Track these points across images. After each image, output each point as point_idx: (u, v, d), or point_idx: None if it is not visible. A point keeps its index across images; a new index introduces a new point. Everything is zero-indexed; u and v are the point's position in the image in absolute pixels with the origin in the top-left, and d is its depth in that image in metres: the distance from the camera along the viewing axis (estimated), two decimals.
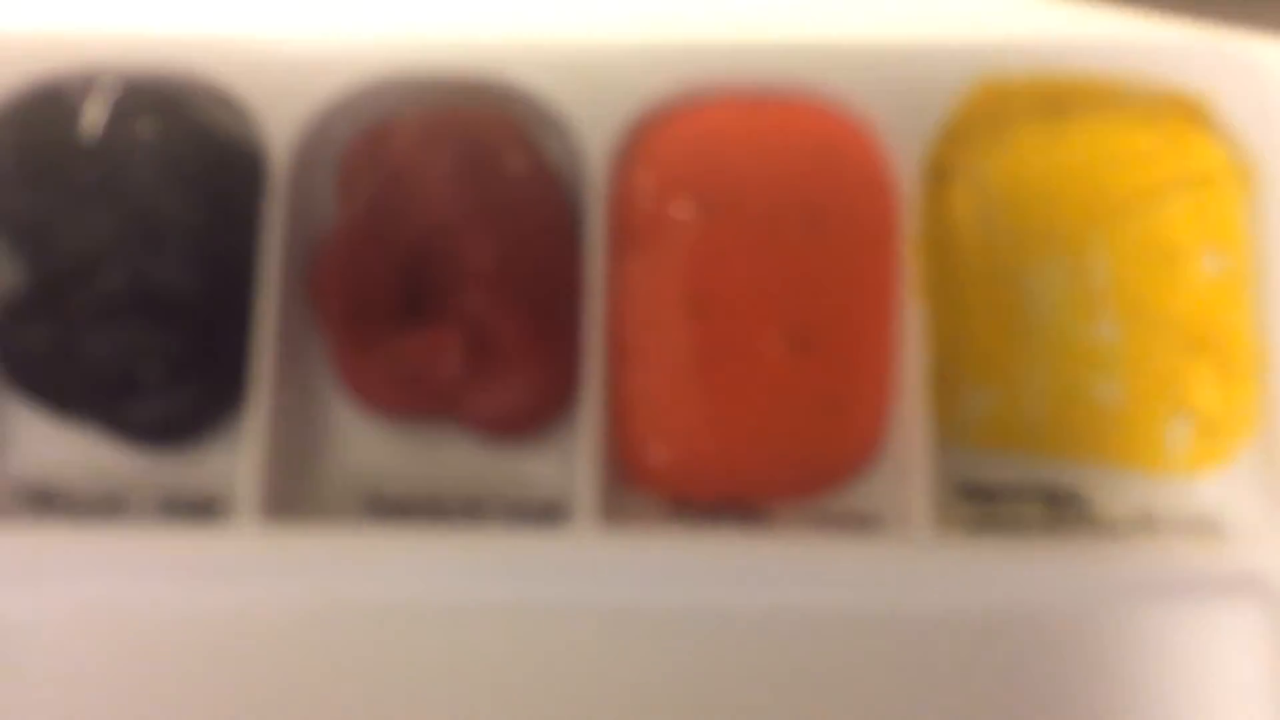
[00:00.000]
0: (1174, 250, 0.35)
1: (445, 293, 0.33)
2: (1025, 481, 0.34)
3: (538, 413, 0.33)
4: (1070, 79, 0.34)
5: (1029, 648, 0.32)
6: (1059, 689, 0.32)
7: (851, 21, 0.34)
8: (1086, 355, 0.34)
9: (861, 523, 0.33)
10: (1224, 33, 0.36)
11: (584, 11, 0.34)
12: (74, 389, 0.32)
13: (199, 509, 0.33)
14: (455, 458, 0.34)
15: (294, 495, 0.32)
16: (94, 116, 0.33)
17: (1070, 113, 0.35)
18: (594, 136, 0.33)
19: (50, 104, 0.33)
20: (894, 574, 0.32)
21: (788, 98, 0.34)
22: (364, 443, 0.34)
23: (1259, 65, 0.34)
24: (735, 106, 0.34)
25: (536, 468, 0.34)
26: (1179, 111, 0.34)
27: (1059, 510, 0.33)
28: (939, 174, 0.35)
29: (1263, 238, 0.34)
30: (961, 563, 0.32)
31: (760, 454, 0.33)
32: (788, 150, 0.34)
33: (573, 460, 0.33)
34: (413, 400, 0.32)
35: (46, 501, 0.33)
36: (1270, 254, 0.33)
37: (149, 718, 0.31)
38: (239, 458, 0.32)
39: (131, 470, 0.33)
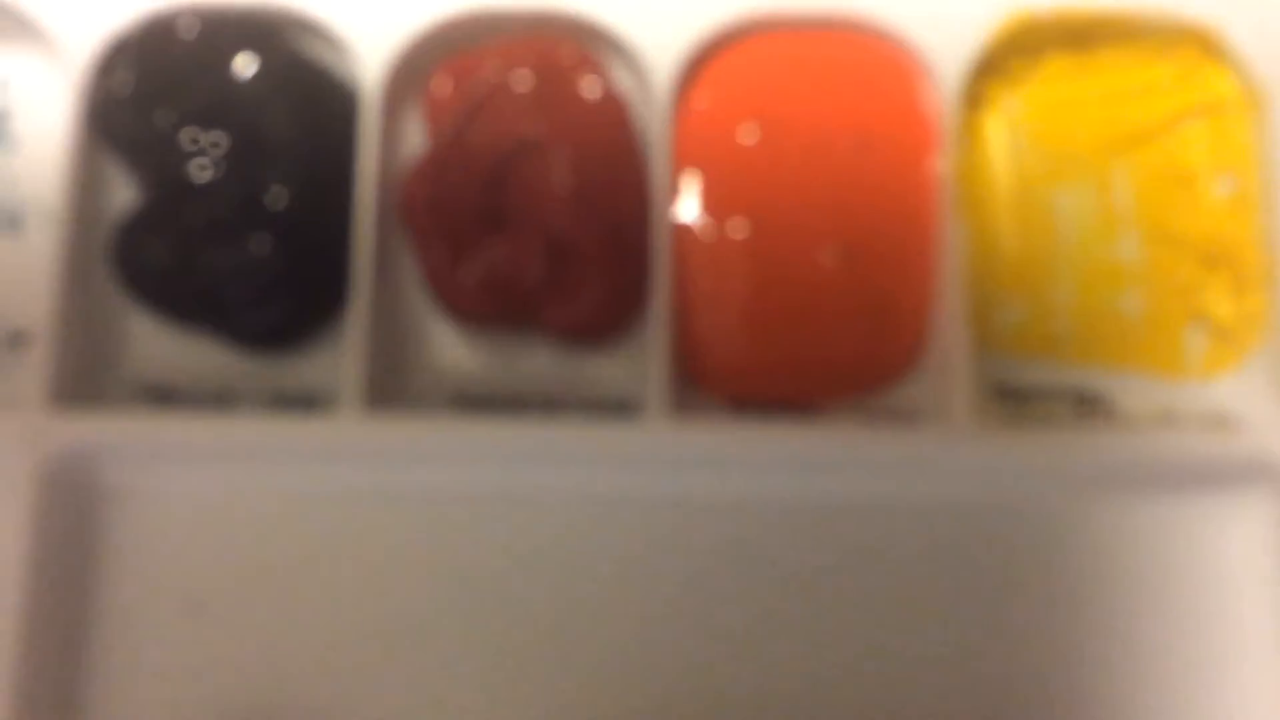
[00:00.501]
0: (1190, 173, 0.38)
1: (525, 208, 0.35)
2: (1055, 384, 0.37)
3: (610, 319, 0.36)
4: (1094, 11, 0.37)
5: (1058, 536, 0.36)
6: (1086, 575, 0.35)
7: None
8: (1110, 270, 0.37)
9: (906, 420, 0.36)
10: None
11: None
12: (189, 299, 0.35)
13: (302, 404, 0.36)
14: (533, 361, 0.37)
15: (389, 393, 0.35)
16: (202, 45, 0.36)
17: (1094, 44, 0.38)
18: (659, 63, 0.36)
19: (161, 34, 0.36)
20: (935, 465, 0.35)
21: (838, 27, 0.37)
22: (451, 347, 0.37)
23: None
24: (789, 35, 0.37)
25: (608, 371, 0.37)
26: (1194, 42, 0.37)
27: (1086, 410, 0.36)
28: (974, 101, 0.38)
29: (1273, 161, 0.36)
30: (997, 454, 0.35)
31: (813, 357, 0.36)
32: (838, 77, 0.37)
33: (642, 364, 0.36)
34: (496, 307, 0.35)
35: (165, 398, 0.36)
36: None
37: (258, 588, 0.35)
38: (341, 357, 0.35)
39: (241, 370, 0.36)
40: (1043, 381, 0.37)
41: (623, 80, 0.37)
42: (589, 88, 0.36)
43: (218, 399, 0.36)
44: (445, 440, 0.34)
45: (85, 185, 0.36)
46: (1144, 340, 0.37)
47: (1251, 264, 0.37)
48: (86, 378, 0.35)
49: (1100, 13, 0.37)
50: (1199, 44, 0.37)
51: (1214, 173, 0.38)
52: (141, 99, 0.36)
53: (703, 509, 0.36)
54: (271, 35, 0.36)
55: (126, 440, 0.34)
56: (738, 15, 0.36)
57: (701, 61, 0.37)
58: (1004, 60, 0.37)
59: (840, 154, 0.37)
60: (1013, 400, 0.36)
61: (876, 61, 0.37)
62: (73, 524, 0.34)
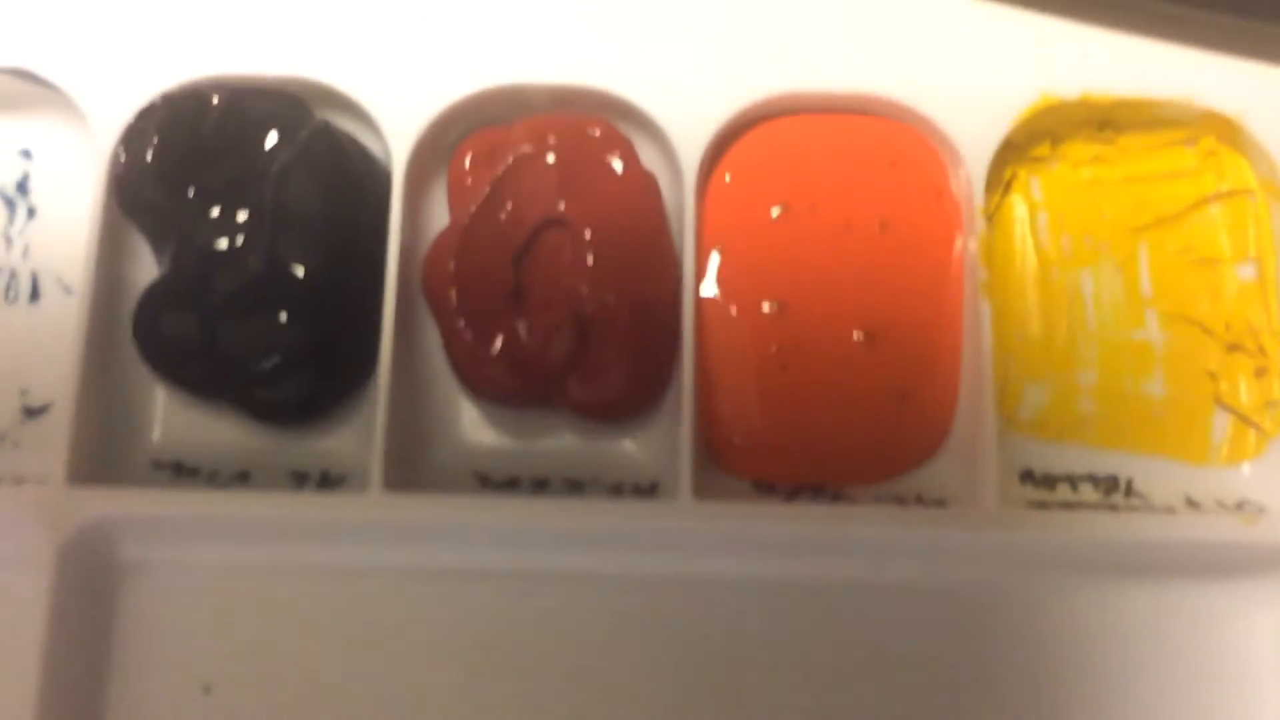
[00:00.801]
0: (1211, 258, 0.38)
1: (551, 284, 0.35)
2: (1079, 468, 0.37)
3: (634, 397, 0.36)
4: (1116, 98, 0.37)
5: (1082, 620, 0.35)
6: (1109, 659, 0.35)
7: (922, 40, 0.37)
8: (1134, 353, 0.37)
9: (930, 503, 0.36)
10: (1254, 61, 0.39)
11: (679, 27, 0.37)
12: (211, 372, 0.35)
13: (324, 482, 0.35)
14: (557, 440, 0.36)
15: (410, 471, 0.35)
16: (229, 118, 0.36)
17: (1117, 130, 0.38)
18: (687, 142, 0.36)
19: (189, 107, 0.36)
20: (959, 548, 0.35)
21: (864, 109, 0.37)
22: (473, 426, 0.37)
23: None
24: (815, 117, 0.37)
25: (632, 451, 0.36)
26: (1214, 130, 0.38)
27: (1110, 494, 0.36)
28: (999, 185, 0.38)
29: None
30: (1021, 538, 0.34)
31: (836, 439, 0.36)
32: (863, 160, 0.37)
33: (666, 444, 0.36)
34: (520, 384, 0.35)
35: (186, 474, 0.35)
36: None
37: (274, 665, 0.34)
38: (364, 435, 0.34)
39: (262, 447, 0.36)
40: (1067, 465, 0.37)
41: (650, 158, 0.37)
42: (616, 165, 0.36)
43: (239, 476, 0.35)
44: (466, 520, 0.34)
45: (108, 256, 0.36)
46: (1168, 425, 0.37)
47: (1272, 350, 0.37)
48: (106, 452, 0.35)
49: (1122, 99, 0.37)
50: (1219, 132, 0.38)
51: (1235, 258, 0.38)
52: (168, 171, 0.35)
53: (726, 588, 0.35)
54: (299, 109, 0.36)
55: (145, 516, 0.33)
56: (766, 96, 0.37)
57: (729, 141, 0.37)
58: (1029, 144, 0.38)
59: (865, 236, 0.37)
60: (1037, 484, 0.36)
61: (902, 145, 0.37)
62: (90, 598, 0.34)
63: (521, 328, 0.35)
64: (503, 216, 0.36)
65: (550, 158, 0.36)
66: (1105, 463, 0.37)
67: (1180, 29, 0.39)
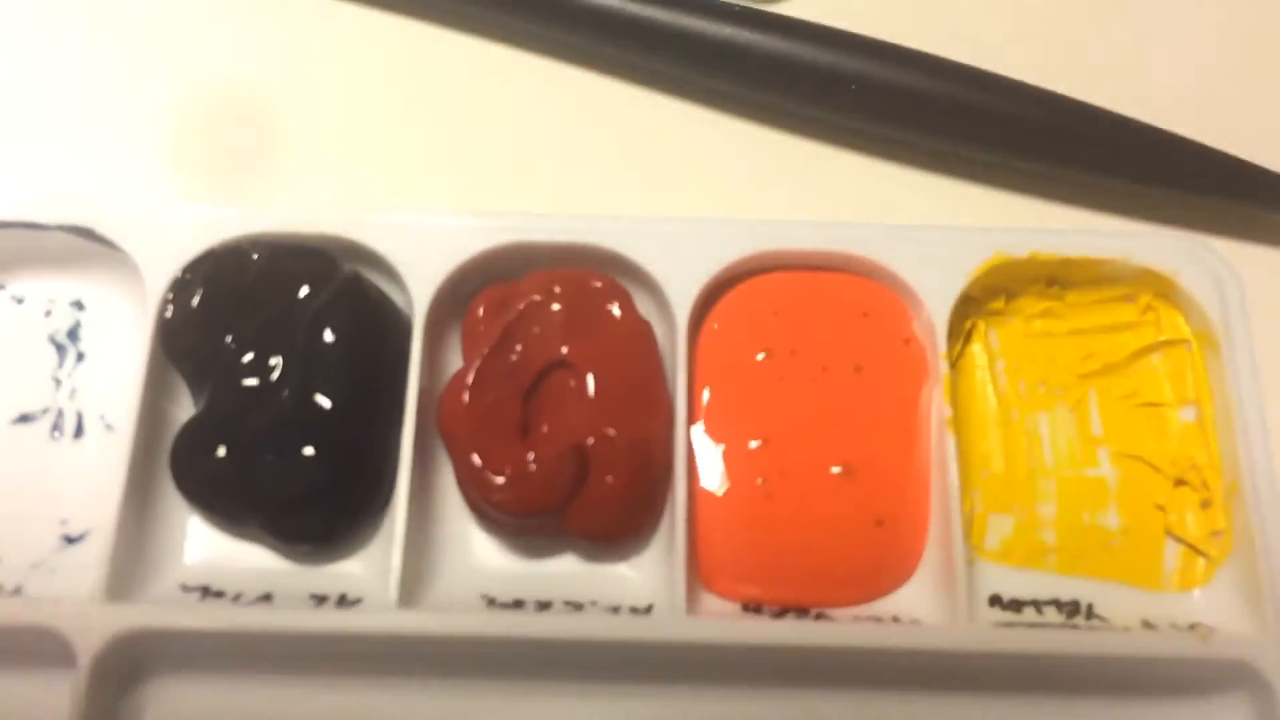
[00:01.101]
0: (1155, 401, 0.42)
1: (555, 421, 0.39)
2: (1044, 594, 0.39)
3: (632, 523, 0.39)
4: (1063, 257, 0.42)
5: None
6: None
7: (890, 205, 0.42)
8: (1089, 489, 0.41)
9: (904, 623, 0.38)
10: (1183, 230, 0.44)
11: (672, 193, 0.42)
12: (242, 503, 0.38)
13: (339, 603, 0.38)
14: (558, 566, 0.39)
15: (422, 594, 0.38)
16: (267, 272, 0.40)
17: (1064, 287, 0.42)
18: (679, 293, 0.40)
19: (231, 261, 0.40)
20: (932, 662, 0.37)
21: (838, 265, 0.42)
22: (482, 553, 0.39)
23: (1213, 252, 0.42)
24: (794, 274, 0.42)
25: (628, 575, 0.39)
26: (1151, 287, 0.42)
27: (1073, 618, 0.39)
28: (961, 334, 0.42)
29: (1227, 393, 0.40)
30: (994, 648, 0.37)
31: (819, 563, 0.39)
32: (837, 311, 0.41)
33: (660, 570, 0.38)
34: (528, 509, 0.38)
35: (215, 596, 0.38)
36: (1231, 407, 0.40)
37: None
38: (380, 562, 0.37)
39: (283, 570, 0.38)
40: (1033, 590, 0.39)
41: (646, 308, 0.41)
42: (616, 312, 0.40)
43: (263, 598, 0.37)
44: (473, 633, 0.36)
45: (151, 396, 0.39)
46: (1123, 554, 0.40)
47: (1214, 484, 0.40)
48: (139, 575, 0.37)
49: (1067, 258, 0.41)
50: (1155, 289, 0.42)
51: (1176, 402, 0.42)
52: (210, 319, 0.39)
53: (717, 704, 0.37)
54: (330, 264, 0.40)
55: (174, 629, 0.36)
56: (750, 254, 0.41)
57: (718, 294, 0.41)
58: (986, 299, 0.42)
59: (841, 379, 0.41)
60: (1005, 607, 0.39)
61: (872, 298, 0.41)
62: (120, 710, 0.36)
63: (529, 458, 0.38)
64: (513, 358, 0.39)
65: (556, 306, 0.40)
66: (1067, 588, 0.39)
67: (1117, 199, 0.44)
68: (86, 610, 0.35)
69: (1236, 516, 0.39)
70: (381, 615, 0.36)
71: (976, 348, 0.42)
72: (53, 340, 0.41)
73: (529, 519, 0.38)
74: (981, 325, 0.42)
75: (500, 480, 0.38)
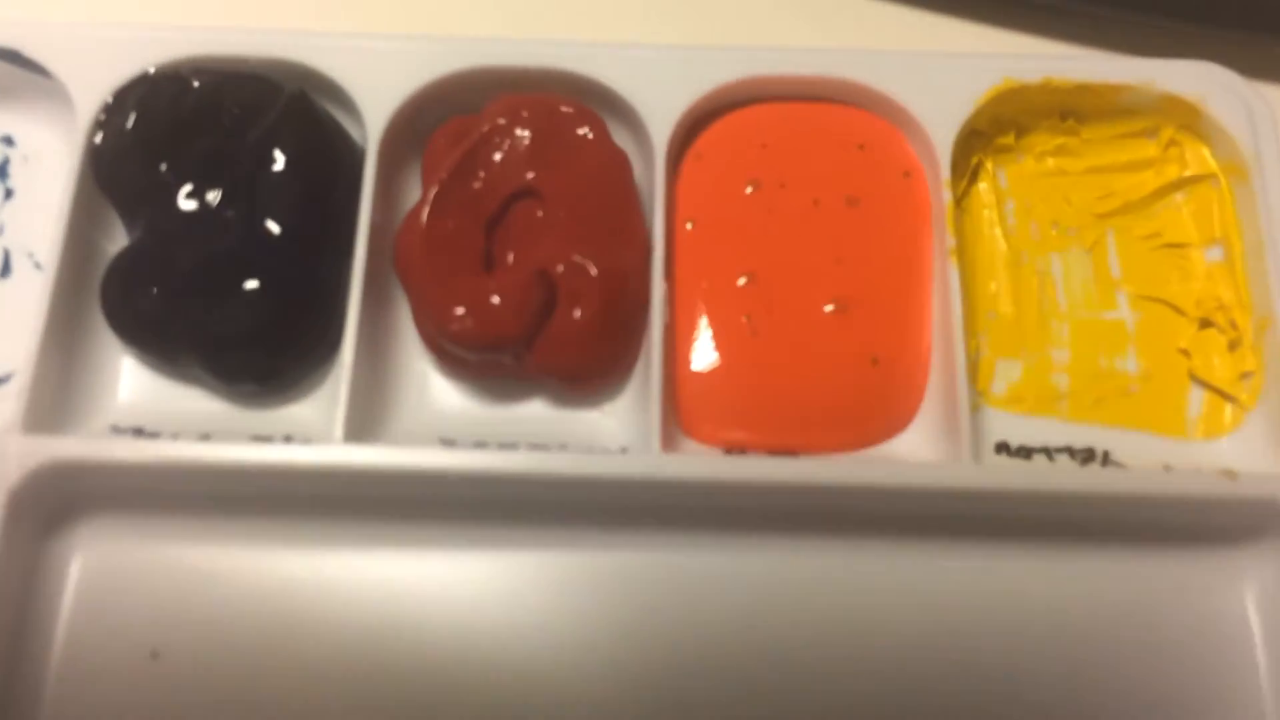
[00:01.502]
0: (1178, 241, 0.38)
1: (521, 252, 0.36)
2: (1056, 441, 0.36)
3: (603, 358, 0.35)
4: (1078, 82, 0.38)
5: (1067, 589, 0.34)
6: (1090, 626, 0.34)
7: (888, 28, 0.38)
8: (1106, 333, 0.37)
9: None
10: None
11: (649, 15, 0.38)
12: (178, 340, 0.35)
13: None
14: (524, 410, 0.36)
15: (373, 434, 0.34)
16: (205, 96, 0.36)
17: (1080, 118, 0.39)
18: (658, 125, 0.37)
19: (169, 87, 0.37)
20: (935, 499, 0.34)
21: (834, 92, 0.38)
22: (439, 394, 0.36)
23: (1240, 79, 0.38)
24: (785, 105, 0.38)
25: (600, 421, 0.36)
26: (1175, 118, 0.39)
27: (1088, 465, 0.36)
28: (968, 170, 0.38)
29: (1256, 229, 0.37)
30: (1005, 486, 0.34)
31: (808, 404, 0.35)
32: (830, 142, 0.38)
33: (636, 415, 0.35)
34: (490, 343, 0.34)
35: (149, 437, 0.34)
36: (1263, 241, 0.37)
37: (227, 630, 0.33)
38: (328, 404, 0.34)
39: (223, 411, 0.35)
40: (1044, 438, 0.36)
41: (621, 139, 0.37)
42: (588, 137, 0.37)
43: (201, 439, 0.34)
44: (429, 470, 0.33)
45: (81, 230, 0.36)
46: (1143, 400, 0.37)
47: (1243, 324, 0.37)
48: (66, 413, 0.34)
49: (1084, 84, 0.38)
50: (1180, 120, 0.39)
51: (1202, 241, 0.38)
52: (145, 146, 0.36)
53: (697, 553, 0.34)
54: (276, 94, 0.37)
55: (98, 462, 0.33)
56: (734, 79, 0.37)
57: (701, 125, 0.38)
58: (994, 132, 0.39)
59: (833, 213, 0.37)
60: (1013, 455, 0.36)
61: (869, 130, 0.38)
62: (41, 546, 0.33)
63: (492, 288, 0.35)
64: (476, 185, 0.36)
65: (522, 131, 0.36)
66: (1082, 436, 0.36)
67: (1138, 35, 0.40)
68: (2, 441, 0.32)
69: (1269, 356, 0.36)
70: (327, 449, 0.33)
71: (983, 186, 0.39)
72: None
73: (491, 353, 0.35)
74: (989, 163, 0.39)
75: (460, 310, 0.34)
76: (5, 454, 0.32)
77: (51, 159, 0.38)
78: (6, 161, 0.38)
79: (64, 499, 0.33)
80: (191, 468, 0.33)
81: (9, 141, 0.38)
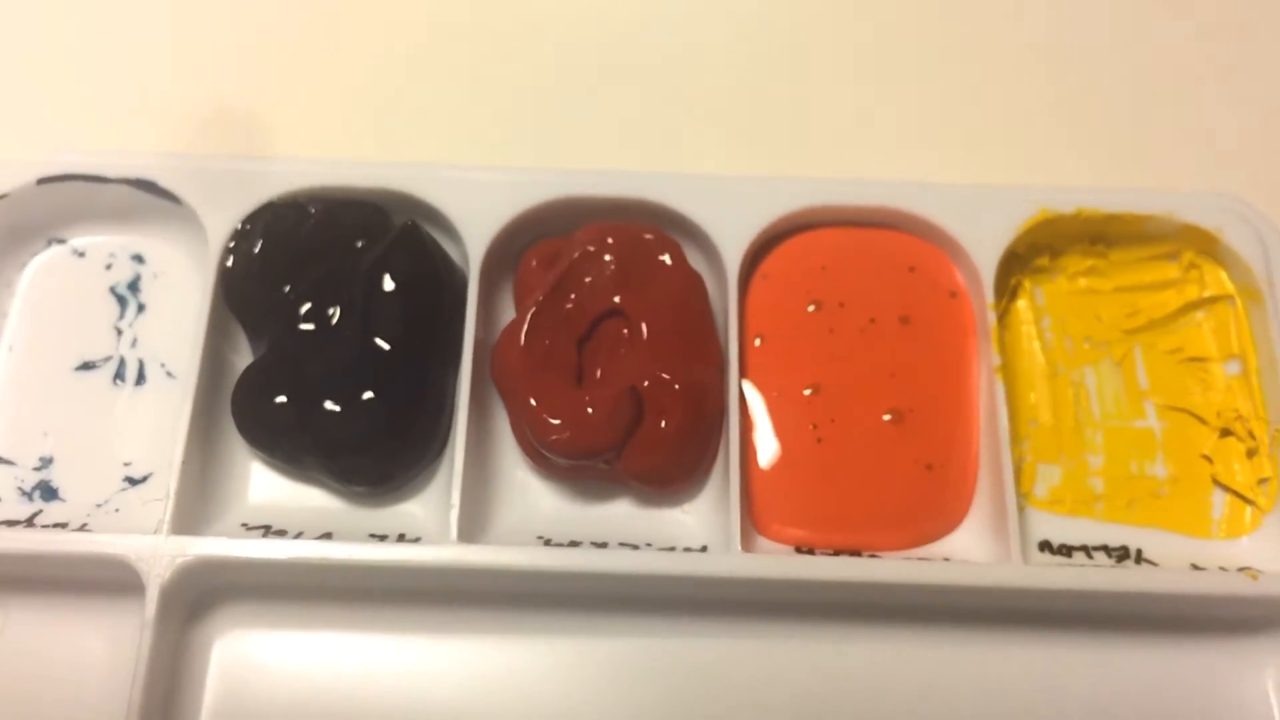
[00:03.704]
0: (1200, 358, 0.42)
1: (610, 366, 0.39)
2: (1093, 540, 0.40)
3: (686, 465, 0.39)
4: (1107, 212, 0.42)
5: (1099, 674, 0.38)
6: (1130, 698, 0.38)
7: (939, 163, 0.43)
8: (1136, 440, 0.41)
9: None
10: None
11: (722, 149, 0.43)
12: (301, 446, 0.39)
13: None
14: (613, 510, 0.40)
15: (480, 534, 0.38)
16: (325, 225, 0.41)
17: (1109, 243, 0.43)
18: (730, 249, 0.41)
19: (290, 214, 0.41)
20: (982, 595, 0.37)
21: (886, 219, 0.42)
22: (537, 496, 0.40)
23: (1255, 209, 0.43)
24: (842, 230, 0.42)
25: (683, 520, 0.39)
26: (1194, 244, 0.43)
27: (1123, 563, 0.39)
28: (1007, 290, 0.42)
29: (1269, 346, 0.41)
30: (1048, 584, 0.37)
31: (869, 506, 0.39)
32: (884, 266, 0.42)
33: (716, 515, 0.39)
34: (584, 452, 0.38)
35: (276, 535, 0.38)
36: (1276, 359, 0.41)
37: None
38: (437, 505, 0.38)
39: (343, 510, 0.39)
40: (1082, 537, 0.40)
41: (697, 262, 0.41)
42: (667, 262, 0.41)
43: (323, 537, 0.38)
44: (531, 567, 0.37)
45: (213, 344, 0.39)
46: (1171, 502, 0.40)
47: (1260, 434, 0.41)
48: (202, 515, 0.38)
49: (1113, 214, 0.42)
50: (1199, 246, 0.43)
51: (1221, 356, 0.42)
52: (270, 269, 0.40)
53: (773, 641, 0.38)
54: (385, 219, 0.41)
55: (237, 559, 0.36)
56: (798, 209, 0.42)
57: (767, 248, 0.42)
58: (1031, 256, 0.43)
59: (888, 330, 0.41)
60: (1055, 553, 0.39)
61: (919, 254, 0.42)
62: (185, 638, 0.37)
63: (585, 401, 0.38)
64: (567, 306, 0.40)
65: (608, 257, 0.40)
66: (1116, 535, 0.40)
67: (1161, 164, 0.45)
68: (154, 541, 0.36)
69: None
70: (444, 549, 0.37)
71: (1022, 304, 0.43)
72: (114, 292, 0.42)
73: (586, 460, 0.39)
74: (1027, 283, 0.43)
75: (557, 422, 0.38)
76: (158, 553, 0.36)
77: (179, 276, 0.42)
78: (138, 278, 0.42)
79: (205, 591, 0.37)
80: (317, 564, 0.36)
81: (140, 259, 0.42)
